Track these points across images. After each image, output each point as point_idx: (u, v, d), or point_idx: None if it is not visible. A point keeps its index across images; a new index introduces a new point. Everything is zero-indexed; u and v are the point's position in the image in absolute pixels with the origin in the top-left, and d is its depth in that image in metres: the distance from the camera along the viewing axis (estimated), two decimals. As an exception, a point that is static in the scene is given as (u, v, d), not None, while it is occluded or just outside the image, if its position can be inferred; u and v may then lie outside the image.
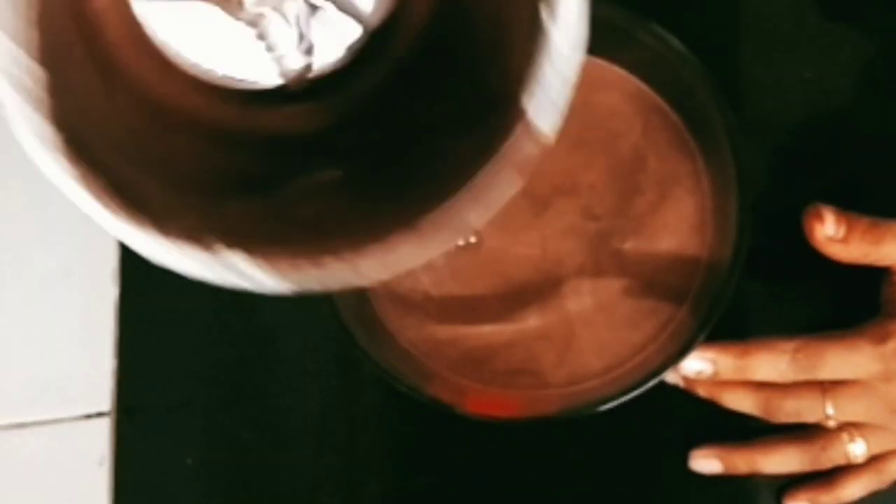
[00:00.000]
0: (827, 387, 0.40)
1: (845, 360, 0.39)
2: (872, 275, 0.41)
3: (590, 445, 0.43)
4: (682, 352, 0.38)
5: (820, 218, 0.40)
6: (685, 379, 0.42)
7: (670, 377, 0.42)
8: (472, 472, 0.44)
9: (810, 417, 0.40)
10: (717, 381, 0.41)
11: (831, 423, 0.40)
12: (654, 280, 0.41)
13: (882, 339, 0.39)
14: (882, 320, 0.40)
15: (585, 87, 0.42)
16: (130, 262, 0.47)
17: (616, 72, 0.42)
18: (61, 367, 0.47)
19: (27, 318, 0.48)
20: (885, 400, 0.40)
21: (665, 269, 0.41)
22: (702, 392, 0.42)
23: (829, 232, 0.39)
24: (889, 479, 0.41)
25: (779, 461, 0.42)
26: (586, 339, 0.41)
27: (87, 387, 0.46)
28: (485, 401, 0.41)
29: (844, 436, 0.40)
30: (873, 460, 0.41)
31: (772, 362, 0.40)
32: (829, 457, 0.41)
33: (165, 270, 0.47)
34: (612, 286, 0.41)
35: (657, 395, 0.38)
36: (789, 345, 0.40)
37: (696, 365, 0.40)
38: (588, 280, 0.41)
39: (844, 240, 0.40)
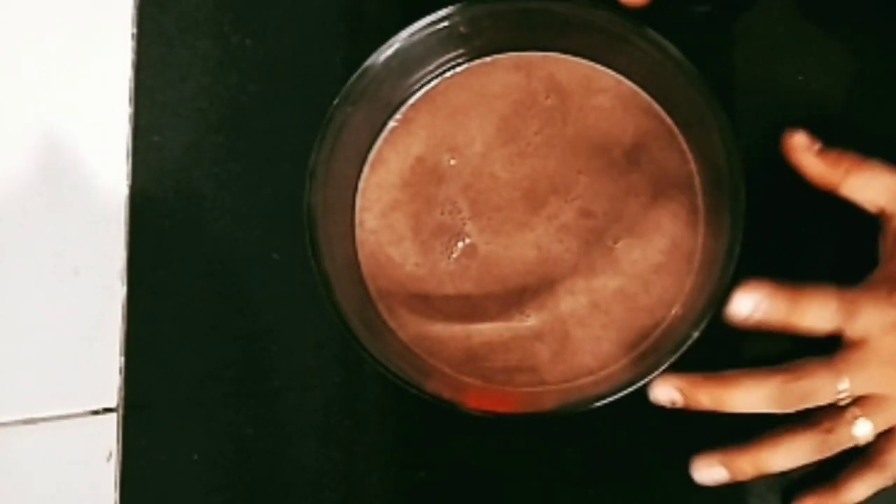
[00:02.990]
0: (834, 362, 0.39)
1: (879, 309, 0.39)
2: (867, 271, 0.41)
3: (586, 440, 0.44)
4: (676, 350, 0.38)
5: (792, 135, 0.41)
6: (684, 395, 0.39)
7: (662, 396, 0.39)
8: (472, 466, 0.44)
9: (824, 397, 0.39)
10: (721, 382, 0.39)
11: (843, 399, 0.39)
12: (648, 279, 0.41)
13: (890, 291, 0.39)
14: (885, 273, 0.40)
15: (581, 90, 0.43)
16: (138, 261, 0.47)
17: (611, 76, 0.43)
18: (70, 363, 0.47)
19: (36, 316, 0.48)
20: (892, 358, 0.39)
21: (658, 269, 0.41)
22: (706, 401, 0.39)
23: (801, 141, 0.41)
24: (894, 476, 0.41)
25: (786, 455, 0.40)
26: (581, 337, 0.41)
27: (94, 383, 0.47)
28: (483, 397, 0.41)
29: (849, 415, 0.39)
30: (877, 456, 0.40)
31: (821, 305, 0.39)
32: (837, 440, 0.40)
33: (172, 270, 0.48)
34: (607, 285, 0.41)
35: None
36: (832, 290, 0.39)
37: (747, 302, 0.38)
38: (582, 280, 0.42)
39: (819, 154, 0.41)
